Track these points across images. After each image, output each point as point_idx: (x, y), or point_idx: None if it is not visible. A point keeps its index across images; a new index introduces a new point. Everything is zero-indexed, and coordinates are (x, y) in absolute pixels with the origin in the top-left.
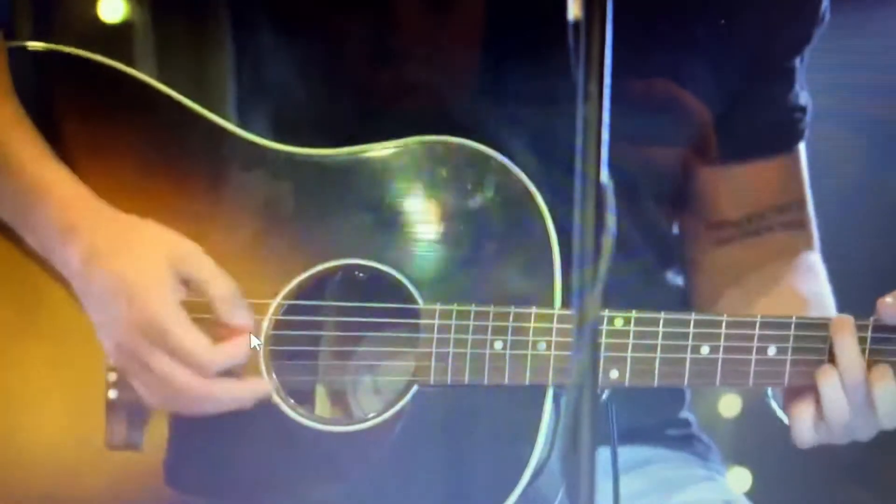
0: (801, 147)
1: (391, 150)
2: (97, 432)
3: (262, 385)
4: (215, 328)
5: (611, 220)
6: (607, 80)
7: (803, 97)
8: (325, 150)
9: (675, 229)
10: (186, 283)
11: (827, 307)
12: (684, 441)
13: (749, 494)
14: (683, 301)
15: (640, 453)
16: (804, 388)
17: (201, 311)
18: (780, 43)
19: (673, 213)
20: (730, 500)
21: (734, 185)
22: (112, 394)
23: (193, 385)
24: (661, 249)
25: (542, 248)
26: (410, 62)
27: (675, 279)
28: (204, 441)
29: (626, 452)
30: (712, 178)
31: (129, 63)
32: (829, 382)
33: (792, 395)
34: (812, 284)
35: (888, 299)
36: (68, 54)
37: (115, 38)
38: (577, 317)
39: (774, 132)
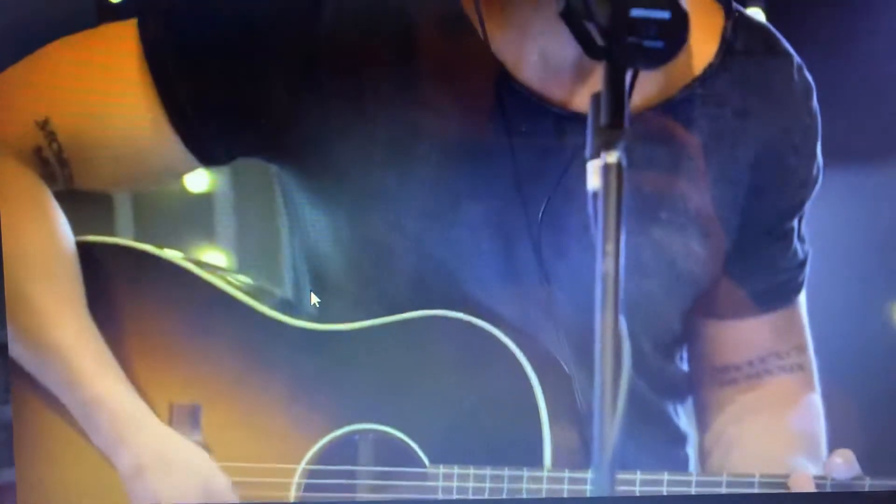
0: (801, 295)
1: (397, 323)
2: None
3: None
4: None
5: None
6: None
7: (802, 251)
8: (339, 325)
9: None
10: None
11: (818, 449)
12: None
13: None
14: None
15: None
16: None
17: None
18: (773, 212)
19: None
20: None
21: (734, 337)
22: None
23: None
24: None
25: (531, 414)
26: None
27: (672, 446)
28: None
29: None
30: (712, 330)
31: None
32: None
33: None
34: (807, 426)
35: (837, 459)
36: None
37: None
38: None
39: (773, 293)
